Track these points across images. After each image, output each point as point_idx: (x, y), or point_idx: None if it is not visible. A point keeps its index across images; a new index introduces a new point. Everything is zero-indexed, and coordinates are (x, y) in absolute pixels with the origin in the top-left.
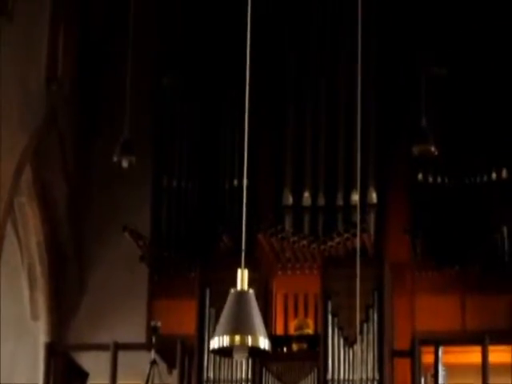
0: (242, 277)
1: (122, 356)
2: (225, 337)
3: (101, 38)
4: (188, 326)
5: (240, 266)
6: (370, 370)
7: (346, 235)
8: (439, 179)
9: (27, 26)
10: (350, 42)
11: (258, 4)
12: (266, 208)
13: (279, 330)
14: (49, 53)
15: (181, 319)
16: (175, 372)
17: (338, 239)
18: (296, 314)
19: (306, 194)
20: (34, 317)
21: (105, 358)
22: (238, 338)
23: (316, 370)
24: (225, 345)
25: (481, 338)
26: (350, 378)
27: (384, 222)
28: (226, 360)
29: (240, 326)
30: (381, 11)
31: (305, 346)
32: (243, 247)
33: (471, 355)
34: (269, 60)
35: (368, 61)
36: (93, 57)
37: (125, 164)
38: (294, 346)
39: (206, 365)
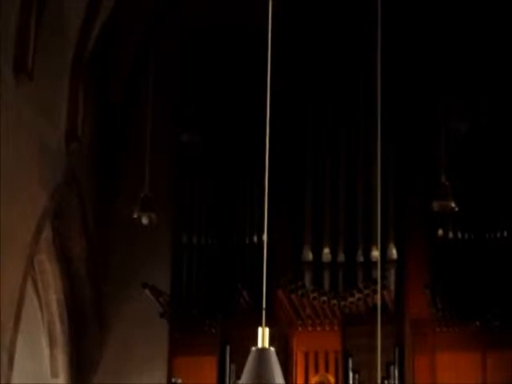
0: (263, 335)
1: None
2: None
3: (121, 97)
4: (208, 383)
5: (260, 323)
6: None
7: (366, 292)
8: (459, 235)
9: (47, 84)
10: (370, 95)
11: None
12: (286, 264)
13: None
14: (69, 111)
15: (201, 376)
16: None
17: (358, 295)
18: (317, 371)
19: (326, 251)
20: (54, 374)
21: None
22: None
23: None
24: None
25: None
26: None
27: (404, 278)
28: None
29: (261, 383)
30: (401, 62)
31: None
32: (264, 305)
33: None
34: (288, 114)
35: (388, 113)
36: (112, 115)
37: (145, 221)
38: None
39: None
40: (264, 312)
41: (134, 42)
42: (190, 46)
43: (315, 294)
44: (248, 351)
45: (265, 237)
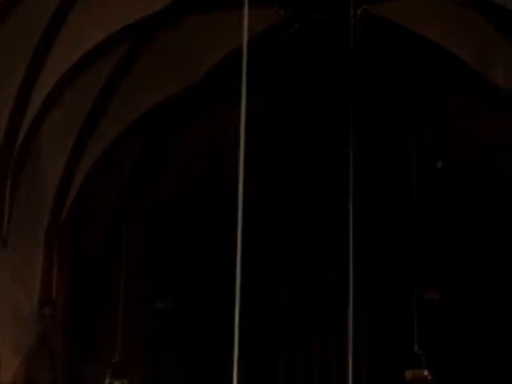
0: None
1: None
2: None
3: (94, 263)
4: None
5: None
6: None
7: None
8: None
9: (21, 251)
10: (342, 272)
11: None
12: None
13: None
14: (42, 276)
15: None
16: None
17: None
18: None
19: None
20: None
21: None
22: None
23: None
24: None
25: None
26: None
27: None
28: None
29: None
30: (374, 233)
31: None
32: None
33: None
34: (261, 289)
35: (360, 286)
36: (86, 279)
37: None
38: None
39: None
40: None
41: (108, 209)
42: (162, 216)
43: None
44: None
45: None
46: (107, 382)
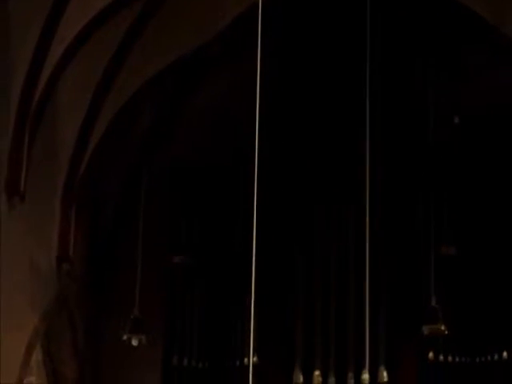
0: None
1: None
2: None
3: (112, 219)
4: None
5: None
6: None
7: None
8: (450, 358)
9: (39, 206)
10: (360, 217)
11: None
12: None
13: None
14: (60, 233)
15: None
16: None
17: None
18: None
19: (317, 373)
20: None
21: None
22: None
23: None
24: None
25: None
26: None
27: None
28: None
29: None
30: (392, 188)
31: None
32: None
33: None
34: (277, 234)
35: (378, 239)
36: (103, 237)
37: (135, 342)
38: None
39: None
40: None
41: (125, 165)
42: (180, 172)
43: None
44: None
45: (251, 359)
46: (125, 337)
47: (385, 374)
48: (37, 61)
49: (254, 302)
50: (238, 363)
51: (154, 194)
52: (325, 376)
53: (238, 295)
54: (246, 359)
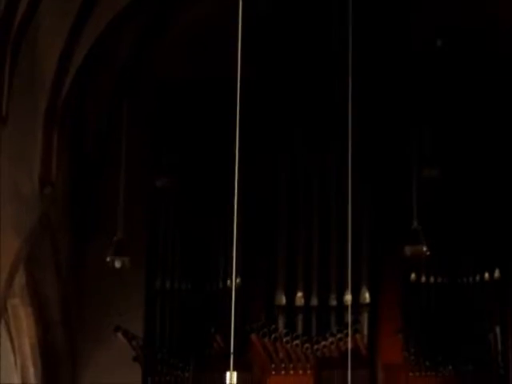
0: (231, 379)
1: None
2: None
3: (94, 140)
4: None
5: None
6: None
7: (338, 335)
8: (432, 279)
9: (21, 130)
10: (342, 142)
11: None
12: (259, 308)
13: None
14: (42, 156)
15: None
16: None
17: (331, 339)
18: None
19: (299, 294)
20: None
21: None
22: None
23: None
24: None
25: None
26: None
27: (377, 322)
28: None
29: None
30: (373, 111)
31: None
32: (232, 349)
33: None
34: (261, 161)
35: (359, 159)
36: (86, 159)
37: (118, 265)
38: None
39: None
40: (232, 356)
41: (107, 89)
42: (162, 94)
43: (288, 338)
44: None
45: (233, 281)
46: (108, 259)
47: (367, 295)
48: None
49: (237, 224)
50: (220, 285)
51: (137, 115)
52: (307, 297)
53: (221, 218)
54: (228, 281)
